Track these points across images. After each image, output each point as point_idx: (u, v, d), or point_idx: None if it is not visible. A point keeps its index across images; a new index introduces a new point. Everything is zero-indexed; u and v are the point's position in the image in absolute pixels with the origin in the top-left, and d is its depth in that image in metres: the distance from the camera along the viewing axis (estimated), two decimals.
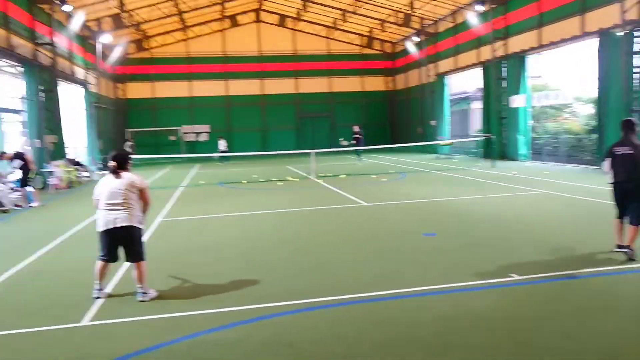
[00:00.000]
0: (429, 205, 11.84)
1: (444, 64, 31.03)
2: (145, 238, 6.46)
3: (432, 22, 31.31)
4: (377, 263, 7.16)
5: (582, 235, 8.32)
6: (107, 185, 5.84)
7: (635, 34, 16.70)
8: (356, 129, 24.52)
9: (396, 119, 39.85)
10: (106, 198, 5.78)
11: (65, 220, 11.54)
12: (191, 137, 37.31)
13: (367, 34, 37.88)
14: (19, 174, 14.15)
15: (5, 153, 14.67)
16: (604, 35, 17.76)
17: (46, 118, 20.75)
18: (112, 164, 5.83)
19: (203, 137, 37.30)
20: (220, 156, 29.49)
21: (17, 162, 13.98)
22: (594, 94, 19.25)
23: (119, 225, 5.72)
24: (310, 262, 7.33)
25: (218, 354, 4.45)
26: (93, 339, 4.85)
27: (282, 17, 37.37)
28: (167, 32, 35.47)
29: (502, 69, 24.39)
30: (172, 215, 11.89)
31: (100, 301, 5.80)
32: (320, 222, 10.47)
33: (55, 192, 17.75)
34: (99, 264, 5.89)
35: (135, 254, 5.89)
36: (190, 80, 37.30)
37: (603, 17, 18.13)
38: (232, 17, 36.59)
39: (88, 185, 19.83)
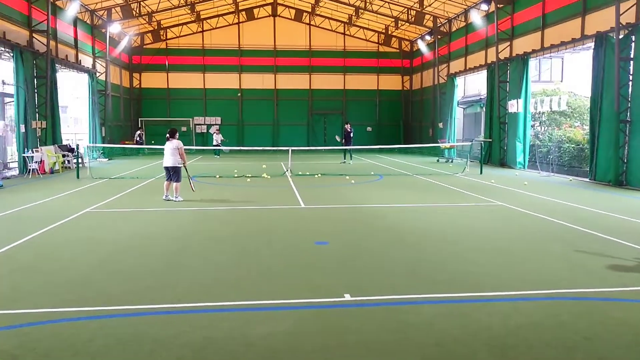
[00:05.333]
0: (361, 211, 11.23)
1: (455, 65, 29.90)
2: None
3: (445, 21, 30.25)
4: (229, 271, 6.70)
5: (486, 257, 7.59)
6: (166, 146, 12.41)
7: (632, 38, 15.44)
8: (347, 127, 23.88)
9: (410, 119, 38.86)
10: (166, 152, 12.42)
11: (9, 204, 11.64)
12: (202, 129, 37.54)
13: (383, 31, 37.02)
14: None
15: None
16: (600, 38, 16.53)
17: (38, 104, 21.18)
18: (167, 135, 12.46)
19: (213, 129, 37.48)
20: (215, 149, 29.59)
21: None
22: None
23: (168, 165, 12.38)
24: (152, 266, 6.86)
25: None
26: None
27: (299, 12, 37.00)
28: (183, 24, 35.75)
29: (507, 71, 23.21)
30: (106, 206, 11.78)
31: None
32: (230, 221, 10.06)
33: (33, 177, 18.07)
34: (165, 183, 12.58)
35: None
36: (205, 72, 37.49)
37: (601, 20, 16.90)
38: (248, 11, 36.50)
39: (72, 172, 20.10)
